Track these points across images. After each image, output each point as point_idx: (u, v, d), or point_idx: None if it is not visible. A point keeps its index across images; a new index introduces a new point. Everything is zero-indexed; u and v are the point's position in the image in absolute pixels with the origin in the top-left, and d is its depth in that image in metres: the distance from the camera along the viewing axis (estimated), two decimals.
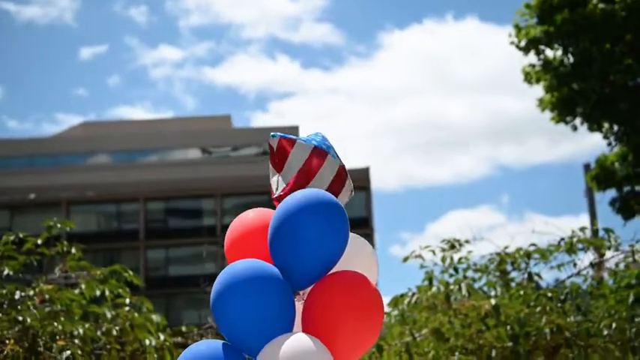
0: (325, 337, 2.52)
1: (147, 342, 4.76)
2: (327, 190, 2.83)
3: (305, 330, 2.57)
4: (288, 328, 2.53)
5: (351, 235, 2.80)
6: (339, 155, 2.99)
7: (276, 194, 2.94)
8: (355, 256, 2.77)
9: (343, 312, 2.53)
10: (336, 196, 2.84)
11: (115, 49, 74.39)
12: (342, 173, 2.93)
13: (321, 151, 2.92)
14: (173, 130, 42.88)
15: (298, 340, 2.44)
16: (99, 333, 4.72)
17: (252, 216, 2.92)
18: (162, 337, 4.91)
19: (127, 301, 4.97)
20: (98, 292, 4.93)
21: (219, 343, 2.59)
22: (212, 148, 42.39)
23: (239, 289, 2.52)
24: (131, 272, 5.20)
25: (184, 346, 5.39)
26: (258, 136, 42.50)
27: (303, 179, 2.87)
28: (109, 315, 4.79)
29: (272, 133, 3.01)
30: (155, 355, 4.83)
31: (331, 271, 2.67)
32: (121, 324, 4.77)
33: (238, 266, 2.59)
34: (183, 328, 5.78)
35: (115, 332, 4.74)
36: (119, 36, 76.53)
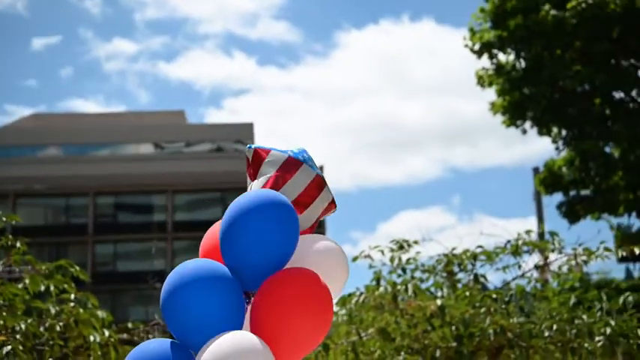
0: (271, 334, 2.51)
1: (91, 338, 4.70)
2: (298, 199, 2.85)
3: (252, 327, 2.57)
4: (237, 327, 2.54)
5: (318, 236, 2.83)
6: (319, 168, 3.00)
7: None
8: (320, 256, 2.76)
9: (290, 308, 2.53)
10: (308, 205, 2.87)
11: (68, 41, 73.28)
12: (316, 183, 2.93)
13: (296, 161, 2.92)
14: (126, 124, 42.38)
15: (237, 337, 2.43)
16: (42, 329, 4.65)
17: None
18: (107, 333, 4.85)
19: (72, 296, 4.91)
20: (43, 288, 4.85)
21: (168, 341, 2.58)
22: (165, 143, 41.99)
23: (187, 289, 2.52)
24: (77, 267, 5.13)
25: (130, 342, 5.34)
26: (212, 133, 42.23)
27: (274, 186, 2.87)
28: (53, 310, 4.72)
29: (248, 145, 3.01)
30: (99, 352, 4.78)
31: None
32: (65, 320, 4.70)
33: (188, 266, 2.60)
34: (130, 325, 5.72)
35: (58, 328, 4.67)
36: (73, 27, 75.45)
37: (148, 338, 5.45)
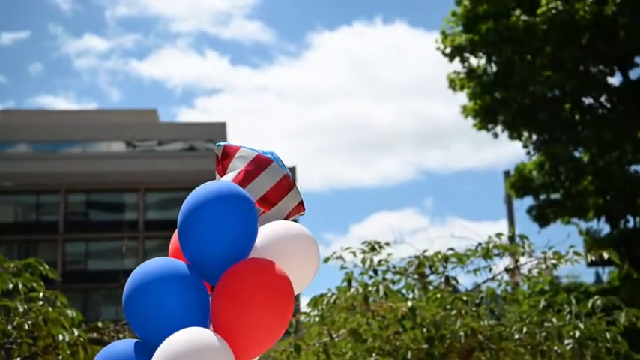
0: (229, 327, 2.48)
1: (60, 337, 4.66)
2: (265, 196, 2.84)
3: (212, 320, 2.54)
4: (201, 325, 2.52)
5: (287, 222, 2.78)
6: (289, 170, 3.00)
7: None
8: (289, 244, 2.71)
9: (247, 299, 2.48)
10: (275, 204, 2.86)
11: (37, 36, 72.56)
12: (285, 183, 2.93)
13: (265, 159, 2.92)
14: (98, 121, 42.03)
15: (192, 334, 2.39)
16: (10, 327, 4.60)
17: None
18: (76, 332, 4.81)
19: (41, 294, 4.85)
20: (11, 285, 4.80)
21: (134, 342, 2.57)
22: (137, 141, 41.73)
23: (146, 288, 2.51)
24: (47, 266, 5.08)
25: (100, 342, 5.29)
26: (184, 132, 42.04)
27: (243, 181, 2.85)
28: (21, 309, 4.67)
29: (218, 143, 3.02)
30: (68, 351, 4.73)
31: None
32: (33, 318, 4.65)
33: (149, 264, 2.59)
34: (100, 324, 5.67)
35: (27, 326, 4.62)
36: (42, 23, 74.68)
37: (119, 338, 5.41)
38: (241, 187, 2.78)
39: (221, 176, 2.93)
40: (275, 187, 2.90)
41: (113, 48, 74.08)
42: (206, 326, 2.55)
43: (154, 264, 2.60)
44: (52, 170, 38.36)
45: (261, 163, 2.90)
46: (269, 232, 2.73)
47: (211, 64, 79.81)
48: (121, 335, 5.49)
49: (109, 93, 74.77)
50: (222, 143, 3.00)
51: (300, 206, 2.97)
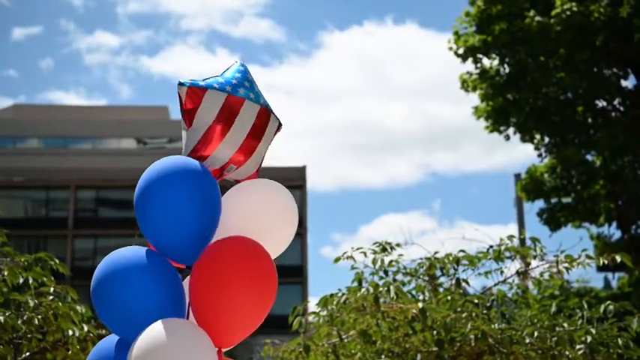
0: (210, 312, 2.39)
1: (70, 332, 4.65)
2: (249, 137, 2.67)
3: (192, 304, 2.45)
4: (173, 310, 2.43)
5: (259, 181, 2.68)
6: (261, 92, 2.81)
7: (184, 153, 2.74)
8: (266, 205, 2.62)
9: (228, 285, 2.37)
10: (260, 139, 2.71)
11: (49, 32, 72.79)
12: (263, 115, 2.75)
13: (237, 99, 2.70)
14: (108, 118, 42.11)
15: (167, 328, 2.31)
16: (20, 321, 4.59)
17: None
18: (85, 328, 4.80)
19: (51, 289, 4.85)
20: (21, 280, 4.79)
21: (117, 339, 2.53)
22: (147, 138, 41.77)
23: (108, 283, 2.45)
24: (57, 260, 5.08)
25: None
26: None
27: (215, 139, 2.66)
28: (31, 303, 4.66)
29: (180, 81, 2.73)
30: (77, 346, 4.73)
31: (224, 235, 2.52)
32: (43, 313, 4.64)
33: (112, 257, 2.52)
34: None
35: (37, 321, 4.61)
36: (55, 19, 74.93)
37: None
38: (217, 142, 2.63)
39: (188, 127, 2.72)
40: (255, 125, 2.72)
41: (124, 44, 74.30)
42: (181, 312, 2.46)
43: (115, 255, 2.52)
44: (62, 166, 38.45)
45: (233, 107, 2.69)
46: (240, 194, 2.60)
47: (222, 62, 79.88)
48: None
49: (120, 89, 74.97)
50: (185, 82, 2.73)
51: (279, 126, 2.87)
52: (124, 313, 2.40)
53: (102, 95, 78.19)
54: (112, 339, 2.56)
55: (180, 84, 2.70)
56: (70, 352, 4.79)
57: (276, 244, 2.63)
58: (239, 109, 2.68)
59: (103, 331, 5.39)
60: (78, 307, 4.93)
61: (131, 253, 2.51)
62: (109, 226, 37.48)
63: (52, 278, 5.00)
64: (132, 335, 2.39)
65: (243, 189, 2.67)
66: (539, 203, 21.57)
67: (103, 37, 73.85)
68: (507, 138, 21.10)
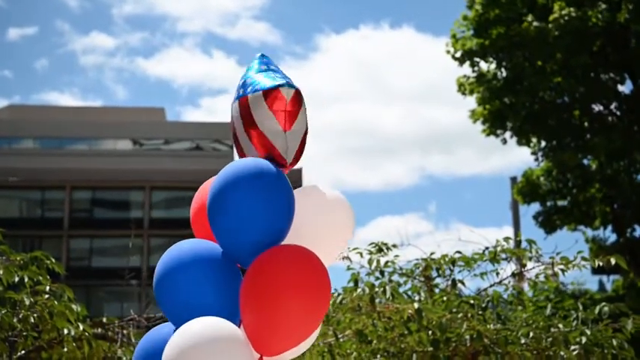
0: (256, 320, 2.35)
1: (65, 331, 4.64)
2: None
3: (242, 307, 2.41)
4: (230, 311, 2.42)
5: (326, 193, 2.62)
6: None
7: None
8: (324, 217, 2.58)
9: (278, 294, 2.32)
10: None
11: (45, 33, 72.76)
12: (298, 99, 2.63)
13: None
14: (104, 119, 42.08)
15: (209, 324, 2.31)
16: (15, 320, 4.59)
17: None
18: (81, 327, 4.80)
19: (47, 288, 4.84)
20: (17, 278, 4.79)
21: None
22: (144, 140, 41.76)
23: (179, 272, 2.42)
24: (53, 259, 5.07)
25: (104, 337, 5.29)
26: (191, 131, 42.06)
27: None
28: (27, 302, 4.66)
29: (283, 82, 2.61)
30: (73, 345, 4.73)
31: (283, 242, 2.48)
32: (39, 311, 4.64)
33: (179, 247, 2.49)
34: (104, 320, 5.67)
35: (32, 320, 4.61)
36: (50, 19, 74.88)
37: (123, 334, 5.41)
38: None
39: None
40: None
41: (119, 46, 74.25)
42: (236, 315, 2.44)
43: (185, 246, 2.49)
44: (57, 166, 38.41)
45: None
46: (298, 201, 2.55)
47: (218, 64, 79.91)
48: (125, 332, 5.49)
49: (115, 91, 74.94)
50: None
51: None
52: (183, 306, 2.40)
53: (97, 96, 78.19)
54: (163, 329, 2.55)
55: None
56: (65, 350, 4.79)
57: (330, 251, 2.62)
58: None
59: (99, 330, 5.41)
60: (73, 306, 4.92)
61: (205, 248, 2.49)
62: (105, 227, 37.46)
63: (48, 277, 5.00)
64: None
65: (301, 194, 2.62)
66: (535, 206, 21.63)
67: (98, 38, 73.84)
68: (504, 142, 21.16)
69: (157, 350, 2.44)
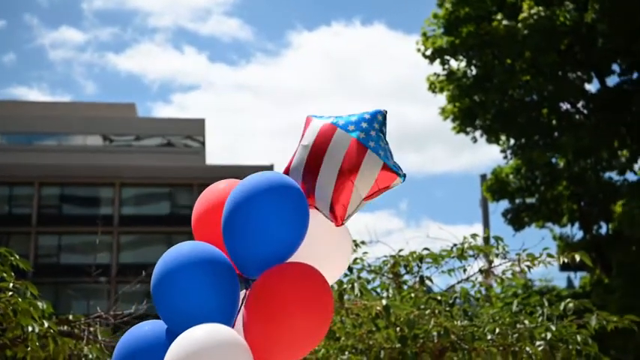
0: (260, 333, 2.39)
1: (29, 328, 4.59)
2: (373, 191, 2.55)
3: (246, 320, 2.44)
4: (229, 317, 2.44)
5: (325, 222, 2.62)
6: (383, 139, 2.65)
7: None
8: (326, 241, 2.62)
9: (288, 307, 2.38)
10: (355, 172, 2.56)
11: (12, 27, 71.85)
12: (385, 171, 2.58)
13: (328, 128, 2.62)
14: (74, 114, 41.66)
15: (212, 330, 2.31)
16: None
17: (223, 187, 2.69)
18: (46, 324, 4.74)
19: (11, 285, 4.78)
20: None
21: (160, 323, 2.49)
22: (114, 135, 41.42)
23: (181, 273, 2.41)
24: (17, 256, 5.00)
25: (70, 335, 5.23)
26: (162, 127, 41.80)
27: (346, 180, 2.54)
28: None
29: (404, 175, 2.59)
30: (37, 343, 4.67)
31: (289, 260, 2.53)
32: (2, 309, 4.58)
33: (183, 249, 2.47)
34: (70, 317, 5.61)
35: None
36: (18, 13, 73.96)
37: (89, 331, 5.35)
38: (350, 189, 2.55)
39: (312, 166, 2.59)
40: (377, 179, 2.56)
41: (89, 40, 73.54)
42: (231, 321, 2.45)
43: (188, 248, 2.48)
44: (25, 162, 37.96)
45: (325, 136, 2.60)
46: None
47: (189, 60, 79.49)
48: (91, 329, 5.43)
49: (84, 86, 74.24)
50: (316, 116, 2.70)
51: (389, 171, 2.55)
52: (178, 308, 2.40)
53: (66, 91, 77.39)
54: (143, 326, 2.53)
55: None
56: (29, 348, 4.72)
57: (331, 271, 2.66)
58: (362, 158, 2.57)
59: (65, 328, 5.35)
60: (39, 303, 4.86)
61: (204, 251, 2.48)
62: (74, 223, 37.10)
63: (12, 274, 4.93)
64: (178, 329, 2.39)
65: (312, 214, 2.64)
66: (504, 204, 21.82)
67: (67, 32, 73.10)
68: (474, 140, 21.30)
69: (138, 348, 2.43)
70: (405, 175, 2.58)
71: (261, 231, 2.45)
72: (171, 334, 2.42)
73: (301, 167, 2.61)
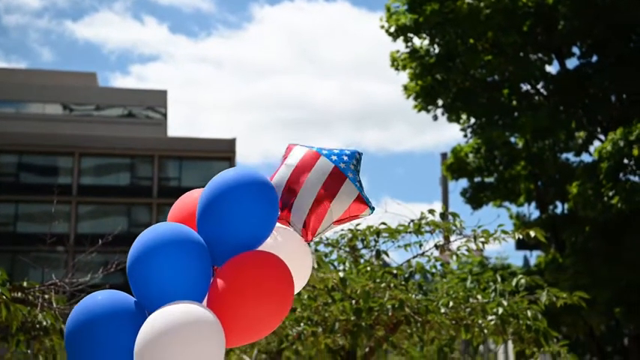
0: (226, 312, 2.48)
1: None
2: (344, 216, 2.77)
3: (209, 302, 2.54)
4: (199, 297, 2.53)
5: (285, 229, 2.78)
6: (357, 173, 2.84)
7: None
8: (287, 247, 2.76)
9: (249, 289, 2.50)
10: (331, 200, 2.75)
11: None
12: (358, 202, 2.79)
13: (311, 156, 2.81)
14: (33, 82, 40.92)
15: (189, 307, 2.40)
16: None
17: (196, 196, 2.82)
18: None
19: None
20: None
21: (114, 292, 2.54)
22: (74, 105, 40.81)
23: (159, 251, 2.50)
24: None
25: (24, 301, 5.20)
26: (123, 98, 41.29)
27: (323, 201, 2.74)
28: None
29: (373, 208, 2.82)
30: None
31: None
32: None
33: (161, 228, 2.57)
34: (25, 284, 5.57)
35: None
36: None
37: (44, 298, 5.33)
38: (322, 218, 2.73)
39: (293, 189, 2.79)
40: (350, 206, 2.78)
41: (46, 6, 72.03)
42: (202, 300, 2.54)
43: (166, 227, 2.58)
44: None
45: (309, 160, 2.81)
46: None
47: (149, 31, 78.44)
48: (46, 296, 5.40)
49: (40, 52, 72.85)
50: (300, 146, 2.88)
51: (361, 202, 2.78)
52: (154, 286, 2.48)
53: (21, 58, 75.87)
54: (97, 295, 2.56)
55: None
56: None
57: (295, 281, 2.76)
58: (339, 187, 2.77)
59: (19, 294, 5.31)
60: None
61: (181, 231, 2.58)
62: (31, 192, 36.59)
63: None
64: (151, 305, 2.47)
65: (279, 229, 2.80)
66: (464, 182, 22.05)
67: None
68: (435, 118, 21.43)
69: (91, 316, 2.48)
70: (374, 208, 2.82)
71: (231, 218, 2.60)
72: (141, 310, 2.50)
73: (282, 185, 2.79)
